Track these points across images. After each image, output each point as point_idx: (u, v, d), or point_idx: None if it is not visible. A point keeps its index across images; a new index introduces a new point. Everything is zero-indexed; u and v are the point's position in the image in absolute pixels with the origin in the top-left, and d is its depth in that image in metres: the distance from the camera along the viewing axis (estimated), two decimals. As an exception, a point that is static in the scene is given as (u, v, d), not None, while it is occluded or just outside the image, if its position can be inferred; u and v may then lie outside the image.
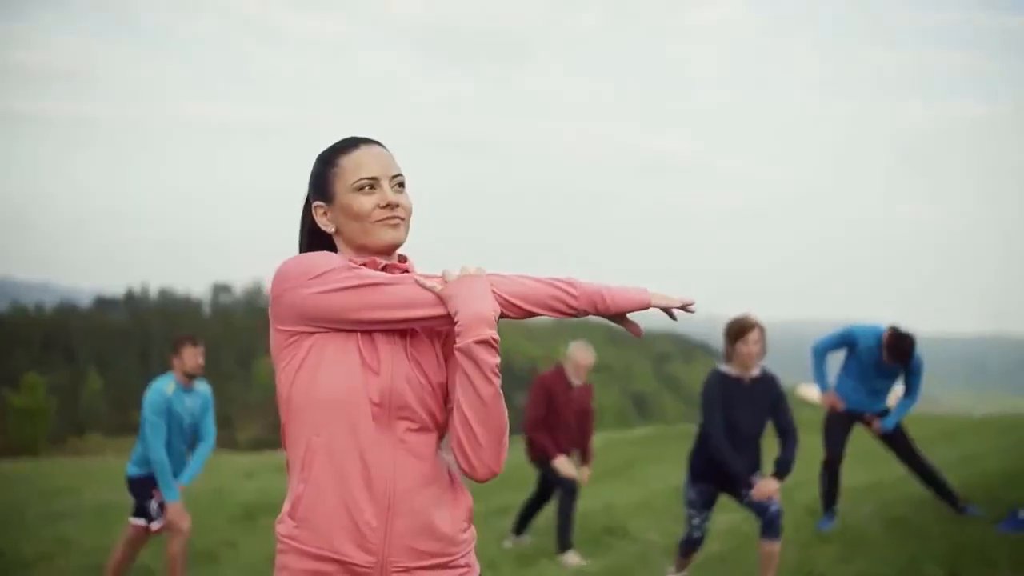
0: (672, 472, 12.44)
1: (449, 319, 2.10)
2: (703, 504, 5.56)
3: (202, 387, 6.42)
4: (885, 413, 7.02)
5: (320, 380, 2.09)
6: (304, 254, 2.17)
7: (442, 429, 2.19)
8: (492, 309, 2.07)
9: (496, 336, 2.07)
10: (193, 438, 6.41)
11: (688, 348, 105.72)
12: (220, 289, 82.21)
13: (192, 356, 6.23)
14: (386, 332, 2.12)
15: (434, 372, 2.16)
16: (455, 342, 2.12)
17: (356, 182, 2.16)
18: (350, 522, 2.08)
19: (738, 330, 5.32)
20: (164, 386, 6.18)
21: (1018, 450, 10.19)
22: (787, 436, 5.41)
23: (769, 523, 5.27)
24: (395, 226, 2.18)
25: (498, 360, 2.07)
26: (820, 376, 7.11)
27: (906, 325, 6.85)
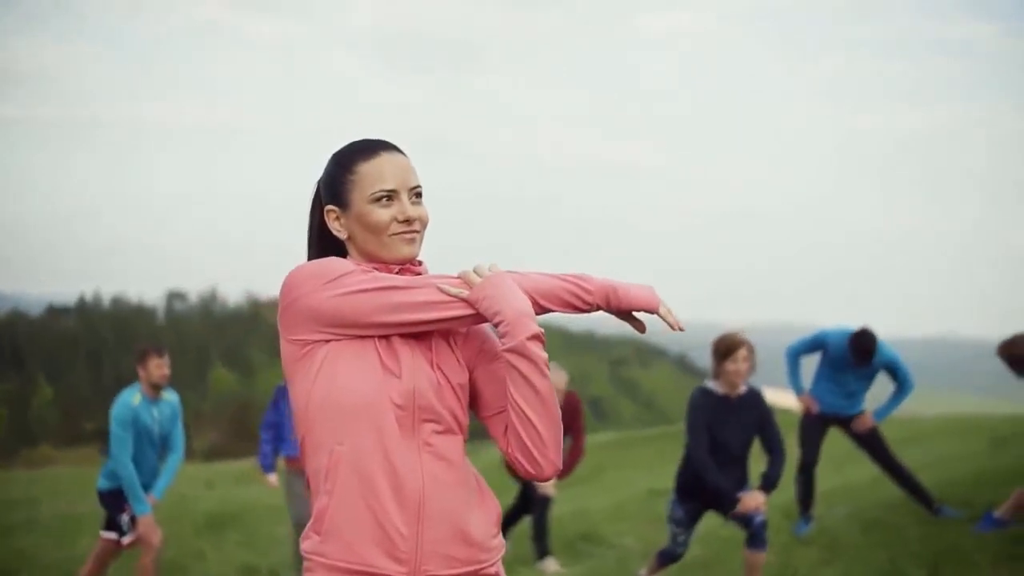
0: (640, 477, 12.44)
1: (472, 319, 2.05)
2: (689, 522, 5.51)
3: (170, 397, 6.29)
4: (856, 417, 7.02)
5: (339, 387, 2.02)
6: (314, 260, 2.11)
7: (465, 432, 2.13)
8: (528, 304, 2.03)
9: (542, 330, 2.03)
10: (163, 449, 6.28)
11: (645, 353, 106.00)
12: (174, 296, 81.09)
13: (157, 367, 6.09)
14: (404, 336, 2.06)
15: (455, 373, 2.11)
16: (478, 341, 2.11)
17: (374, 193, 2.10)
18: (379, 531, 2.00)
19: (726, 348, 5.25)
20: (130, 398, 6.04)
21: (984, 452, 10.29)
22: (774, 452, 5.37)
23: (754, 534, 5.23)
24: (411, 241, 2.12)
25: (546, 354, 2.04)
26: (794, 380, 7.11)
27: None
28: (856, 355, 6.76)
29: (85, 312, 77.14)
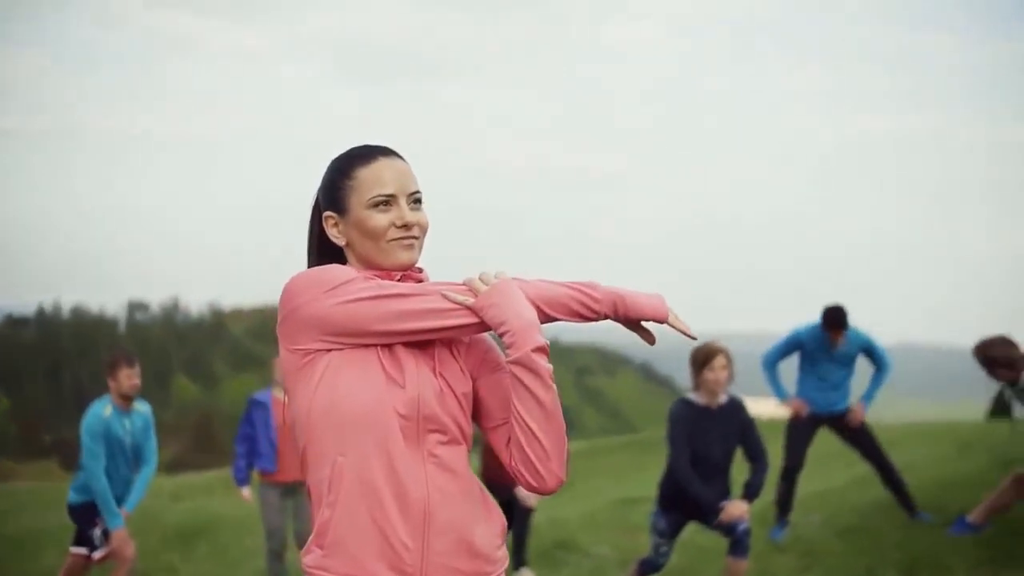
0: (609, 486, 12.46)
1: (476, 328, 2.02)
2: (672, 533, 5.50)
3: (141, 408, 6.19)
4: (847, 413, 7.07)
5: (342, 397, 1.97)
6: (314, 268, 2.06)
7: (470, 442, 2.10)
8: (535, 314, 2.00)
9: (547, 341, 1.99)
10: (135, 461, 6.18)
11: (610, 361, 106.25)
12: (136, 306, 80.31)
13: (127, 377, 5.99)
14: (407, 344, 2.02)
15: (459, 383, 2.07)
16: (481, 351, 2.09)
17: (372, 198, 2.06)
18: (384, 543, 1.95)
19: (704, 357, 5.24)
20: (101, 409, 5.94)
21: (950, 458, 10.39)
22: (757, 460, 5.36)
23: (737, 541, 5.23)
24: (409, 247, 2.08)
25: (551, 366, 2.00)
26: (776, 386, 7.15)
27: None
28: (831, 328, 6.84)
29: (44, 323, 76.17)
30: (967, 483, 7.89)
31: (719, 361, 5.21)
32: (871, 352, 7.01)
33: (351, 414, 1.96)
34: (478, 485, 2.09)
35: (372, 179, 2.07)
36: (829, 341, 6.90)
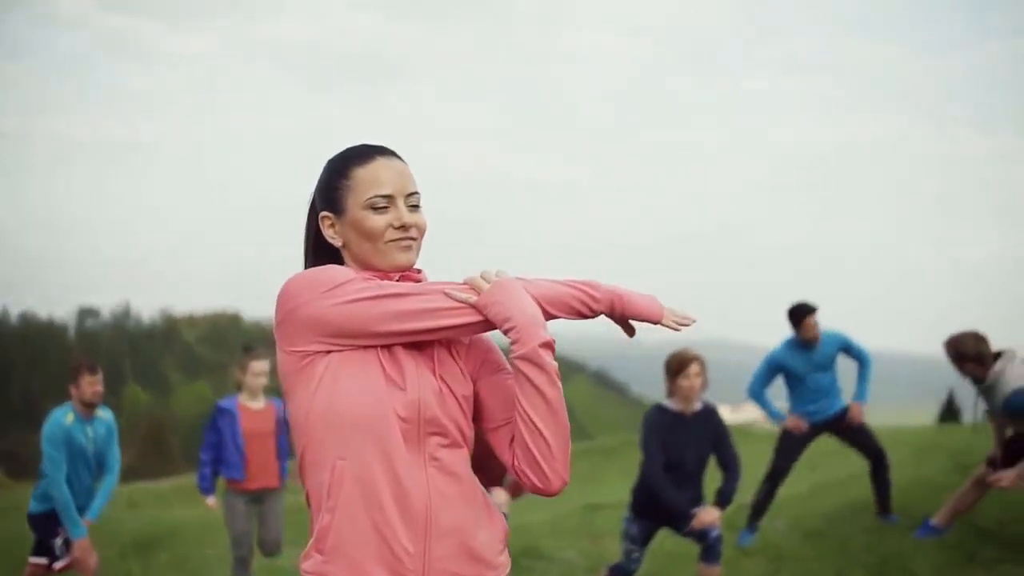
0: (572, 492, 12.43)
1: (480, 326, 1.99)
2: (644, 539, 5.49)
3: (104, 415, 6.09)
4: (845, 412, 7.10)
5: (341, 399, 1.93)
6: (311, 269, 2.02)
7: (471, 445, 2.07)
8: (539, 310, 1.98)
9: (553, 338, 1.97)
10: (97, 469, 6.08)
11: (563, 368, 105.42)
12: (86, 313, 79.16)
13: (90, 384, 5.88)
14: (407, 346, 1.99)
15: (459, 384, 2.04)
16: (481, 352, 2.07)
17: (369, 199, 2.02)
18: (385, 548, 1.91)
19: (678, 364, 5.25)
20: (62, 417, 5.83)
21: (908, 462, 10.49)
22: (729, 468, 5.37)
23: (710, 548, 5.23)
24: (407, 248, 2.05)
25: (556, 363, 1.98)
26: (772, 411, 7.17)
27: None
28: (800, 322, 6.88)
29: (-8, 329, 74.80)
30: (926, 487, 7.98)
31: (693, 368, 5.22)
32: (848, 348, 7.06)
33: (351, 416, 1.92)
34: (480, 489, 2.06)
35: (369, 179, 2.03)
36: (804, 341, 6.93)
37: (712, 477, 5.33)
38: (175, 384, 74.48)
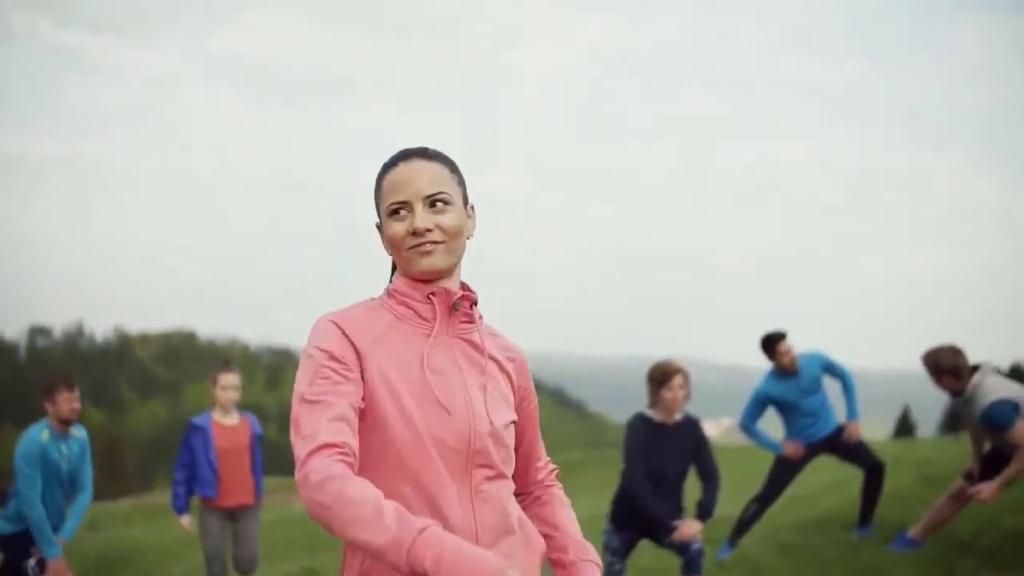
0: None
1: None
2: (625, 550, 5.49)
3: (78, 433, 6.00)
4: (840, 430, 7.14)
5: (383, 428, 1.85)
6: (320, 320, 1.93)
7: (511, 473, 2.02)
8: None
9: None
10: (70, 488, 5.98)
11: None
12: (37, 332, 77.90)
13: (67, 401, 5.81)
14: (457, 371, 1.94)
15: (507, 411, 1.99)
16: (527, 383, 2.07)
17: (389, 206, 1.94)
18: None
19: (661, 376, 5.27)
20: (38, 434, 5.74)
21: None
22: (709, 480, 5.40)
23: (690, 561, 5.24)
24: (427, 253, 1.92)
25: None
26: (767, 442, 7.18)
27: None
28: (771, 349, 6.93)
29: (-60, 349, 73.43)
30: (895, 499, 8.05)
31: (677, 380, 5.25)
32: (831, 369, 7.11)
33: (392, 446, 1.85)
34: (520, 517, 2.01)
35: (390, 186, 1.96)
36: (783, 368, 6.98)
37: (691, 489, 5.36)
38: (129, 403, 73.47)
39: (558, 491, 2.23)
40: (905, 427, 51.38)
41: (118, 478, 45.26)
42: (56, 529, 5.84)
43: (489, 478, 1.93)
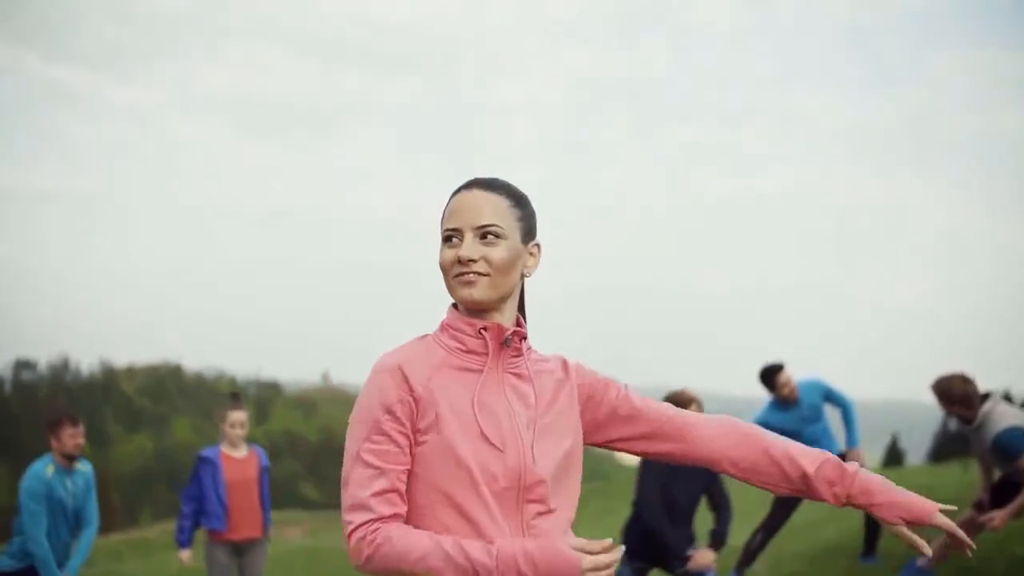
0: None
1: None
2: None
3: (84, 467, 5.96)
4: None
5: (433, 465, 1.85)
6: (382, 361, 1.93)
7: (573, 508, 1.97)
8: None
9: None
10: (75, 523, 5.92)
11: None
12: (22, 365, 77.41)
13: (71, 436, 5.76)
14: (507, 407, 1.91)
15: (564, 438, 1.96)
16: (605, 390, 2.04)
17: (443, 232, 1.95)
18: None
19: (676, 405, 5.27)
20: (42, 469, 5.69)
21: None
22: (721, 509, 5.40)
23: None
24: (469, 283, 1.90)
25: None
26: None
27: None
28: (770, 382, 6.94)
29: (-76, 383, 72.91)
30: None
31: (692, 409, 5.25)
32: (830, 396, 7.12)
33: (439, 482, 1.85)
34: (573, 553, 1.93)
35: (448, 212, 1.96)
36: (784, 400, 6.99)
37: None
38: (115, 438, 72.95)
39: (719, 417, 2.16)
40: (894, 456, 51.45)
41: (104, 513, 44.79)
42: (61, 565, 5.79)
43: (541, 513, 1.89)
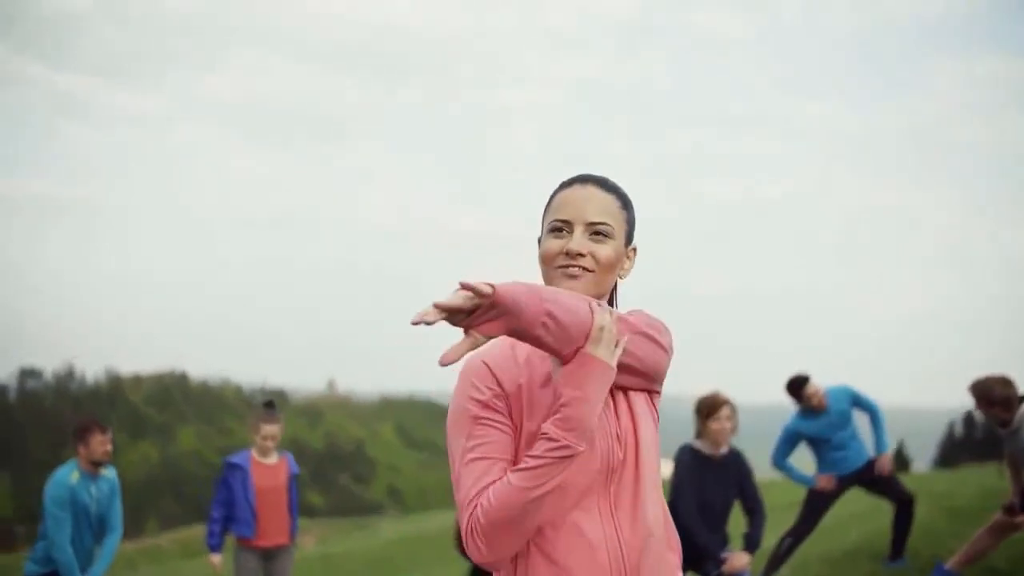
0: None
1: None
2: None
3: (108, 474, 5.96)
4: (871, 463, 7.13)
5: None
6: (471, 362, 1.92)
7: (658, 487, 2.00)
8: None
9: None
10: (99, 529, 5.92)
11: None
12: (27, 374, 77.32)
13: (100, 443, 5.78)
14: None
15: (649, 428, 1.97)
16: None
17: (551, 222, 1.98)
18: None
19: (709, 408, 5.30)
20: (67, 476, 5.70)
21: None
22: (755, 512, 5.41)
23: None
24: (574, 276, 1.93)
25: None
26: (799, 476, 7.21)
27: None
28: (798, 393, 6.94)
29: (-70, 392, 72.97)
30: (918, 531, 8.02)
31: (724, 412, 5.26)
32: (858, 402, 7.11)
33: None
34: (657, 513, 1.97)
35: (556, 204, 2.00)
36: (812, 409, 6.99)
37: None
38: (120, 447, 72.77)
39: None
40: (900, 462, 51.30)
41: (111, 521, 44.84)
42: (84, 571, 5.79)
43: (630, 491, 1.91)
